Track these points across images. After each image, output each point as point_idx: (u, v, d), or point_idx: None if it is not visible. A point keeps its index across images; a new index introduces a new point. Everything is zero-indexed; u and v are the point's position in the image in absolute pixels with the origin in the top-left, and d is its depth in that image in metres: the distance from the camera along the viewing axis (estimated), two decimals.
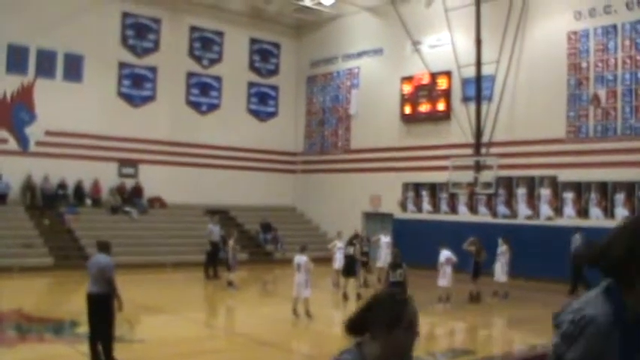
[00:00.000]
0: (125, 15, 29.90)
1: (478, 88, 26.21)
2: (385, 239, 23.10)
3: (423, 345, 14.32)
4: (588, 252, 2.76)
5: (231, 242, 21.62)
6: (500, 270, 19.61)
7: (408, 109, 29.20)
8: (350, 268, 19.65)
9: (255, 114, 34.30)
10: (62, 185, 27.53)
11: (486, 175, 25.99)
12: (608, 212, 22.60)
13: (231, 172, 32.34)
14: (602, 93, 23.04)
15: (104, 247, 10.86)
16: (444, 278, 18.21)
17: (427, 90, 28.41)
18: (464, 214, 27.04)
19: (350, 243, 20.44)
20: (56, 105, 27.29)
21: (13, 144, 26.84)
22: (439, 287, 18.34)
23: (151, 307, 17.38)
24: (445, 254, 18.35)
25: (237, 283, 21.07)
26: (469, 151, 26.51)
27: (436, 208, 28.20)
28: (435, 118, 28.24)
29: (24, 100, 27.05)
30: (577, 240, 20.83)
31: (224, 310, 19.47)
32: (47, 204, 26.81)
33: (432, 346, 14.29)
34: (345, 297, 19.22)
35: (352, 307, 18.65)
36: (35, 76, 27.26)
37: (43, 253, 24.38)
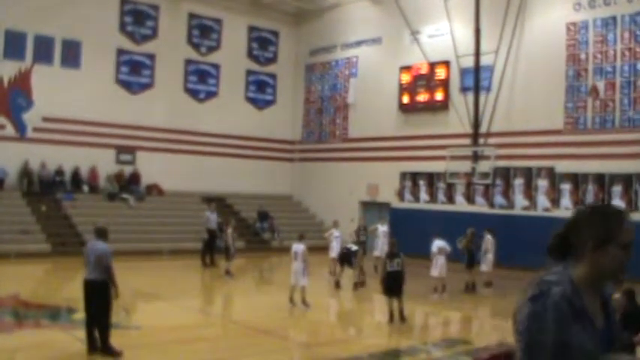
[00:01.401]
0: (123, 1, 29.80)
1: (476, 78, 26.18)
2: (382, 228, 23.11)
3: (418, 335, 14.39)
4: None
5: (229, 230, 21.63)
6: (483, 260, 19.58)
7: (406, 99, 29.17)
8: (346, 257, 19.68)
9: (253, 102, 34.25)
10: (59, 172, 27.50)
11: (484, 166, 26.00)
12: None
13: (228, 160, 32.33)
14: (600, 85, 23.03)
15: (102, 233, 10.84)
16: (436, 268, 18.20)
17: (425, 80, 28.37)
18: (461, 204, 27.06)
19: (358, 242, 20.66)
20: (54, 91, 27.23)
21: (10, 130, 26.80)
22: (432, 277, 18.35)
23: (147, 294, 17.41)
24: (437, 244, 18.31)
25: (233, 271, 21.11)
26: (467, 141, 26.50)
27: (433, 197, 28.21)
28: (433, 107, 28.22)
29: (21, 86, 26.99)
30: None
31: (220, 297, 19.50)
32: (44, 190, 26.79)
33: (427, 336, 14.35)
34: (338, 285, 19.30)
35: (348, 296, 18.75)
36: (33, 62, 27.17)
37: (40, 239, 24.39)
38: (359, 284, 19.19)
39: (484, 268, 19.46)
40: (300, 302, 15.60)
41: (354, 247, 19.66)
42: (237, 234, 23.84)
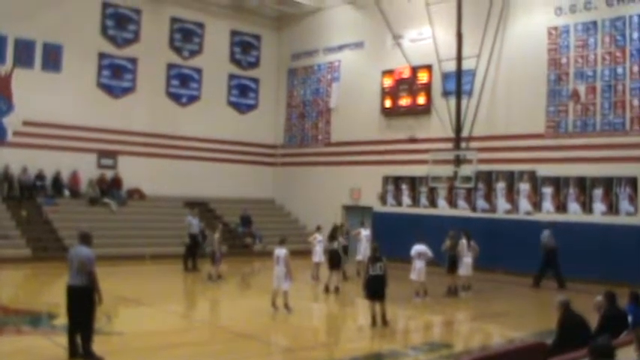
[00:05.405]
0: (105, 5, 29.63)
1: (458, 83, 26.25)
2: (365, 232, 23.13)
3: (400, 338, 14.40)
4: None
5: (216, 236, 21.56)
6: (460, 264, 19.55)
7: (388, 103, 29.23)
8: (334, 261, 19.62)
9: (236, 106, 34.18)
10: (40, 176, 27.28)
11: (466, 170, 26.08)
12: (587, 207, 22.76)
13: (210, 164, 32.24)
14: (581, 89, 23.19)
15: (85, 238, 10.68)
16: (415, 272, 18.15)
17: (408, 84, 28.44)
18: (443, 208, 27.12)
19: (332, 237, 20.31)
20: (35, 95, 26.98)
21: None
22: (412, 281, 18.31)
23: (129, 299, 17.30)
24: (417, 248, 18.22)
25: (223, 275, 21.11)
26: (449, 145, 26.57)
27: (416, 201, 28.26)
28: (415, 111, 28.28)
29: (1, 89, 26.71)
30: (547, 235, 21.15)
31: (203, 302, 19.42)
32: (25, 195, 26.56)
33: (410, 340, 14.36)
34: (327, 289, 19.26)
35: (332, 300, 18.72)
36: (13, 65, 26.94)
37: (20, 244, 24.19)
38: (338, 289, 19.24)
39: (461, 272, 19.41)
40: (282, 306, 15.57)
41: (335, 244, 19.66)
42: (222, 239, 23.77)
